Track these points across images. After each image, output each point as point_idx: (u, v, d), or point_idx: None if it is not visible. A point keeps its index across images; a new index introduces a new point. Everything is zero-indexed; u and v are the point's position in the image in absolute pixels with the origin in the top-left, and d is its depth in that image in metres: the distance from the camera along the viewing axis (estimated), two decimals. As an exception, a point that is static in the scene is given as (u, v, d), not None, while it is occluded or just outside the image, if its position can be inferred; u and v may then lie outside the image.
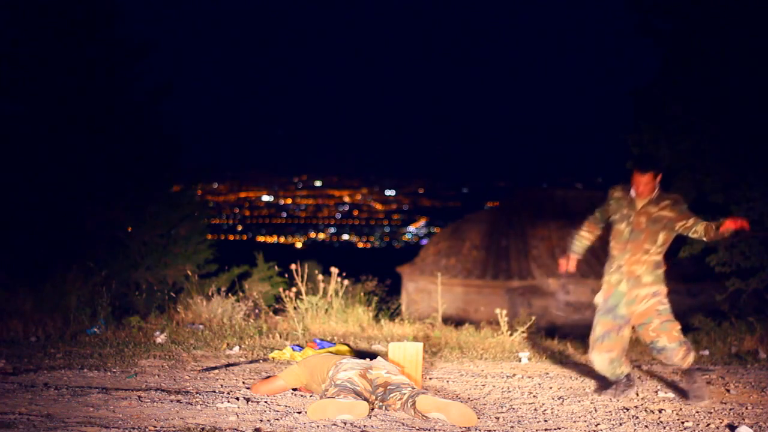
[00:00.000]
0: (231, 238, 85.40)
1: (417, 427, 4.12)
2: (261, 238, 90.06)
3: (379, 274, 9.93)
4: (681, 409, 4.78)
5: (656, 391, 5.33)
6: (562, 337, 8.67)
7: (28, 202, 10.12)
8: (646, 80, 10.35)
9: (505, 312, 7.94)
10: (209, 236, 12.31)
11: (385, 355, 5.52)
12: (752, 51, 9.27)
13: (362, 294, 9.04)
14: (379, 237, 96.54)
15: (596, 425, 4.30)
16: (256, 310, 8.66)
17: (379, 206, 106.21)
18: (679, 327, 5.01)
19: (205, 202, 13.15)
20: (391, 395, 4.46)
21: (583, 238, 5.44)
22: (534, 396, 5.18)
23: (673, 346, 4.92)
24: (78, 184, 10.40)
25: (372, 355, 5.24)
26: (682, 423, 4.37)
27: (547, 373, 6.10)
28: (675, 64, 9.91)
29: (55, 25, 10.52)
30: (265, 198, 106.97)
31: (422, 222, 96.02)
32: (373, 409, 4.46)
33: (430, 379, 5.76)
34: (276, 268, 12.36)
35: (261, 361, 6.27)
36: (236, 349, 6.82)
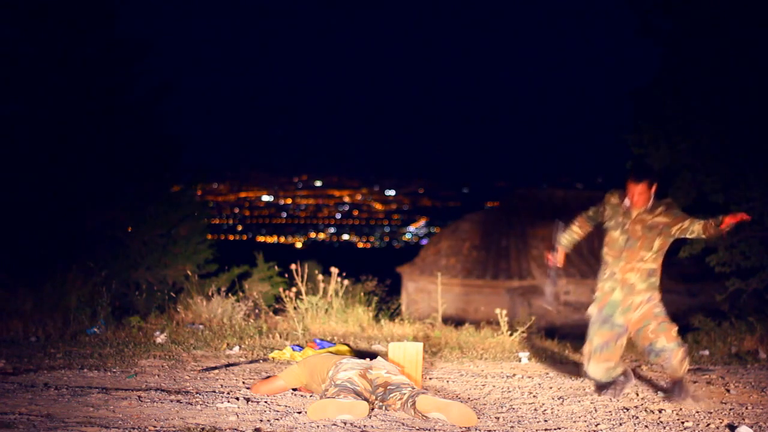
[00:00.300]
0: (231, 238, 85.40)
1: (417, 427, 4.12)
2: (261, 238, 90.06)
3: (379, 274, 9.93)
4: (681, 409, 4.78)
5: (656, 391, 5.33)
6: (562, 338, 8.67)
7: (28, 202, 10.12)
8: (646, 80, 10.36)
9: (505, 312, 7.93)
10: (209, 236, 12.31)
11: (385, 355, 5.52)
12: (752, 51, 9.27)
13: (362, 294, 9.04)
14: (379, 237, 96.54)
15: (596, 425, 4.30)
16: (256, 310, 8.66)
17: (379, 206, 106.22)
18: (676, 329, 5.00)
19: (205, 202, 13.16)
20: (391, 395, 4.46)
21: (573, 232, 5.43)
22: (534, 396, 5.18)
23: (672, 346, 4.90)
24: (78, 184, 10.40)
25: (372, 355, 5.24)
26: (682, 423, 4.38)
27: (547, 373, 6.10)
28: (675, 64, 9.91)
29: (54, 24, 10.52)
30: (265, 198, 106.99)
31: (422, 222, 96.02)
32: (373, 409, 4.46)
33: (430, 379, 5.76)
34: (276, 268, 12.36)
35: (261, 361, 6.27)
36: (236, 349, 6.82)
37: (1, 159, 10.21)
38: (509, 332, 7.81)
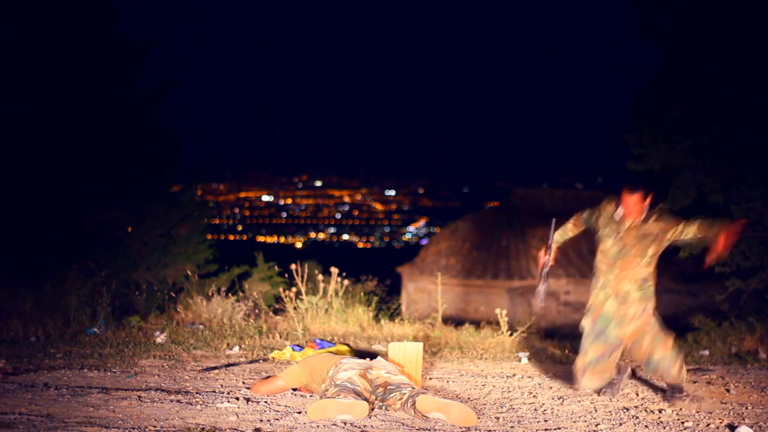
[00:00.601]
0: (231, 238, 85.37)
1: (417, 427, 4.12)
2: (261, 238, 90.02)
3: (379, 274, 9.93)
4: (681, 409, 4.78)
5: (656, 392, 5.33)
6: (562, 338, 8.67)
7: (28, 202, 10.12)
8: (646, 80, 10.35)
9: (505, 312, 7.93)
10: (209, 236, 12.29)
11: (385, 355, 5.52)
12: (752, 51, 9.27)
13: (362, 294, 9.04)
14: (379, 237, 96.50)
15: (596, 425, 4.30)
16: (256, 310, 8.66)
17: (379, 206, 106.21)
18: (672, 339, 4.97)
19: (205, 202, 13.13)
20: (391, 395, 4.47)
21: (567, 230, 5.41)
22: (534, 396, 5.18)
23: (668, 359, 4.88)
24: (78, 184, 10.39)
25: (372, 355, 5.24)
26: (682, 423, 4.38)
27: (547, 373, 6.10)
28: (675, 64, 9.91)
29: (54, 24, 10.52)
30: (265, 198, 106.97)
31: (422, 222, 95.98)
32: (373, 409, 4.46)
33: (430, 379, 5.76)
34: (276, 268, 12.35)
35: (261, 361, 6.27)
36: (236, 349, 6.82)
37: (1, 159, 10.20)
38: (509, 332, 7.80)
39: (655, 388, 5.44)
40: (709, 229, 4.84)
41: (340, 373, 4.61)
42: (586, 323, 5.11)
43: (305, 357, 5.38)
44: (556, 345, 7.88)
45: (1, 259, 9.38)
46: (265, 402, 4.64)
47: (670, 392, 4.96)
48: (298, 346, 6.72)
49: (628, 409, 4.72)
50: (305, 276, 8.41)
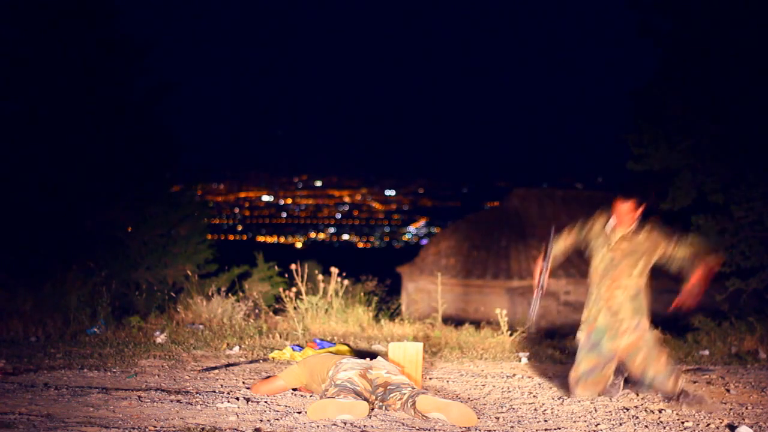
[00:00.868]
0: (231, 238, 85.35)
1: (417, 427, 4.12)
2: (261, 238, 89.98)
3: (379, 274, 9.93)
4: (681, 409, 4.78)
5: (656, 392, 5.33)
6: (562, 338, 8.67)
7: (27, 202, 10.12)
8: (646, 80, 10.35)
9: (505, 312, 7.93)
10: (209, 236, 12.29)
11: (385, 355, 5.52)
12: (752, 51, 9.27)
13: (362, 294, 9.04)
14: (379, 237, 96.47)
15: (596, 425, 4.30)
16: (256, 310, 8.66)
17: (379, 206, 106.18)
18: (665, 356, 4.93)
19: (205, 202, 13.13)
20: (391, 395, 4.47)
21: (560, 246, 5.31)
22: (534, 396, 5.18)
23: (661, 377, 4.85)
24: (78, 184, 10.39)
25: (372, 355, 5.24)
26: (682, 423, 4.38)
27: (547, 373, 6.10)
28: (675, 64, 9.91)
29: (54, 24, 10.51)
30: (265, 198, 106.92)
31: (422, 222, 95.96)
32: (373, 409, 4.46)
33: (430, 379, 5.76)
34: (276, 268, 12.35)
35: (261, 361, 6.27)
36: (236, 349, 6.82)
37: (1, 159, 10.20)
38: (509, 332, 7.80)
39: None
40: (695, 259, 4.85)
41: (340, 373, 4.61)
42: (581, 336, 5.14)
43: (305, 357, 5.38)
44: (556, 345, 7.88)
45: (1, 259, 9.39)
46: (265, 402, 4.64)
47: (674, 397, 4.93)
48: (298, 346, 6.72)
49: (628, 409, 4.72)
50: (305, 276, 8.41)
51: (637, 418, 4.50)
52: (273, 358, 6.38)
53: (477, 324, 8.81)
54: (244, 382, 5.31)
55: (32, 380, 5.10)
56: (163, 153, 11.34)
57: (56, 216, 10.25)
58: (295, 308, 8.29)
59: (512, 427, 4.26)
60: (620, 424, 4.31)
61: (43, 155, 10.30)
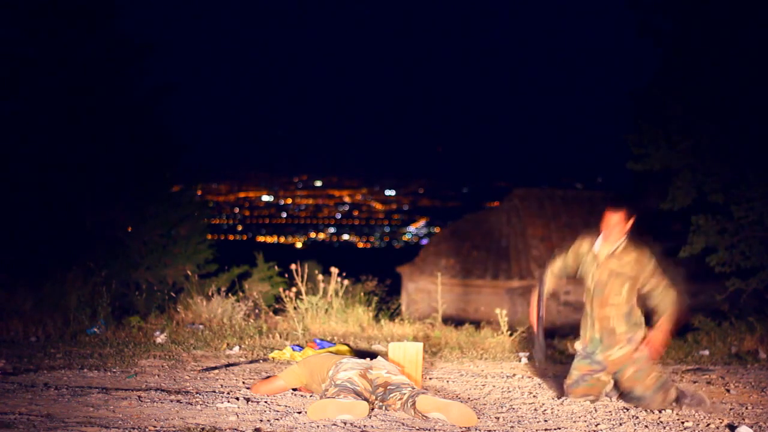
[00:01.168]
0: (231, 238, 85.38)
1: (417, 427, 4.12)
2: (261, 238, 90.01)
3: (379, 274, 9.93)
4: (681, 409, 4.77)
5: (645, 408, 5.32)
6: (562, 338, 8.67)
7: (28, 202, 10.12)
8: (646, 80, 10.38)
9: (505, 312, 7.93)
10: (209, 236, 12.29)
11: (385, 355, 5.52)
12: (752, 51, 9.27)
13: (362, 294, 9.04)
14: (379, 237, 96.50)
15: (596, 425, 4.30)
16: (256, 310, 8.66)
17: (379, 206, 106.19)
18: (655, 374, 4.86)
19: (205, 202, 13.13)
20: (391, 395, 4.46)
21: (550, 284, 5.28)
22: (534, 396, 5.18)
23: (648, 395, 4.79)
24: (78, 184, 10.40)
25: (372, 355, 5.24)
26: (682, 423, 4.37)
27: (547, 373, 6.10)
28: (675, 64, 9.92)
29: (54, 24, 10.52)
30: (265, 198, 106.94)
31: (422, 222, 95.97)
32: (373, 409, 4.46)
33: (430, 379, 5.76)
34: (276, 268, 12.35)
35: (261, 361, 6.27)
36: (236, 349, 6.82)
37: (1, 158, 10.20)
38: (509, 332, 7.80)
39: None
40: (671, 307, 4.86)
41: (340, 373, 4.61)
42: (578, 346, 5.15)
43: (305, 357, 5.38)
44: (556, 344, 7.88)
45: (1, 259, 9.38)
46: (265, 402, 4.64)
47: (667, 407, 4.90)
48: (298, 346, 6.72)
49: (628, 409, 4.72)
50: (305, 276, 8.41)
51: (637, 418, 4.50)
52: (273, 358, 6.38)
53: (477, 324, 8.81)
54: (244, 382, 5.31)
55: (32, 380, 5.10)
56: (163, 153, 11.34)
57: (56, 216, 10.26)
58: (295, 308, 8.29)
59: (512, 427, 4.26)
60: (620, 424, 4.31)
61: (43, 155, 10.30)
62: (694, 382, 5.73)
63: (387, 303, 9.28)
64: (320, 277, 8.38)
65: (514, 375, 6.02)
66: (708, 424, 4.35)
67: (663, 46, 10.11)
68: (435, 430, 4.09)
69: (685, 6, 9.77)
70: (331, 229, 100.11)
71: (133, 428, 3.84)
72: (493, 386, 5.51)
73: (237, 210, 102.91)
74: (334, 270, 8.40)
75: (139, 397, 4.59)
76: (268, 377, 5.10)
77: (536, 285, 5.33)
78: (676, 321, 4.84)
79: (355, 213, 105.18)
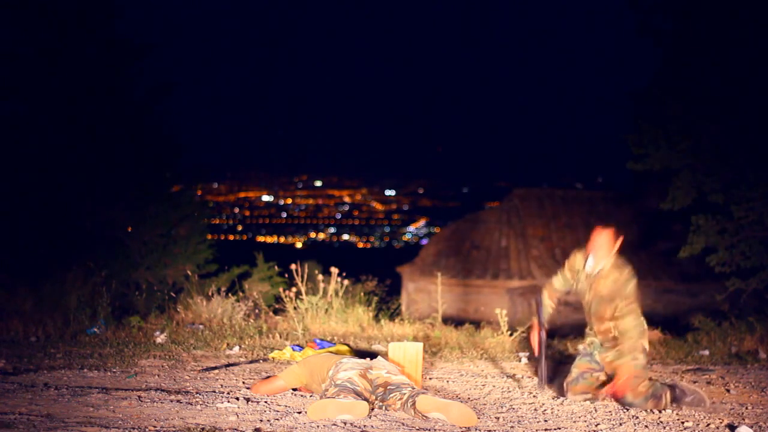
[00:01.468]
0: (231, 238, 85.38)
1: (417, 427, 4.12)
2: (261, 238, 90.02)
3: (379, 274, 9.93)
4: (681, 408, 4.78)
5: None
6: (562, 337, 8.67)
7: (28, 202, 10.12)
8: (646, 80, 10.40)
9: (505, 312, 7.93)
10: (209, 236, 12.30)
11: (385, 355, 5.52)
12: (752, 51, 9.28)
13: (362, 294, 9.04)
14: (379, 237, 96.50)
15: (596, 425, 4.30)
16: (256, 310, 8.66)
17: (379, 206, 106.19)
18: (647, 381, 4.87)
19: (205, 202, 13.14)
20: (391, 395, 4.46)
21: (548, 306, 5.45)
22: (534, 396, 5.18)
23: (639, 402, 4.79)
24: (78, 184, 10.40)
25: (372, 355, 5.24)
26: (682, 423, 4.37)
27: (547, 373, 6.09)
28: (675, 64, 9.93)
29: (54, 24, 10.52)
30: (265, 198, 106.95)
31: (422, 222, 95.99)
32: (373, 409, 4.46)
33: (430, 379, 5.76)
34: (276, 268, 12.35)
35: (261, 361, 6.27)
36: (236, 349, 6.82)
37: (1, 159, 10.21)
38: (509, 332, 7.80)
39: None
40: (619, 341, 4.87)
41: (340, 373, 4.61)
42: (580, 347, 5.24)
43: (305, 357, 5.38)
44: (556, 344, 7.87)
45: (1, 259, 9.38)
46: (265, 402, 4.64)
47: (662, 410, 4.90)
48: (298, 346, 6.72)
49: (628, 409, 4.72)
50: (305, 276, 8.41)
51: (637, 418, 4.50)
52: (273, 358, 6.38)
53: (477, 324, 8.81)
54: (244, 382, 5.31)
55: (32, 380, 5.10)
56: (163, 153, 11.35)
57: (56, 216, 10.26)
58: (295, 308, 8.29)
59: (512, 427, 4.26)
60: (620, 424, 4.31)
61: (43, 155, 10.30)
62: (694, 382, 5.73)
63: (387, 303, 9.28)
64: (320, 277, 8.38)
65: (514, 375, 6.02)
66: (708, 424, 4.35)
67: (663, 46, 10.11)
68: (435, 430, 4.09)
69: (685, 6, 9.78)
70: (331, 229, 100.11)
71: (133, 428, 3.84)
72: (493, 386, 5.51)
73: (237, 210, 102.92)
74: (334, 270, 8.40)
75: (139, 397, 4.59)
76: (268, 377, 5.11)
77: (536, 304, 5.46)
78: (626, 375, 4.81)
79: (355, 213, 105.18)
